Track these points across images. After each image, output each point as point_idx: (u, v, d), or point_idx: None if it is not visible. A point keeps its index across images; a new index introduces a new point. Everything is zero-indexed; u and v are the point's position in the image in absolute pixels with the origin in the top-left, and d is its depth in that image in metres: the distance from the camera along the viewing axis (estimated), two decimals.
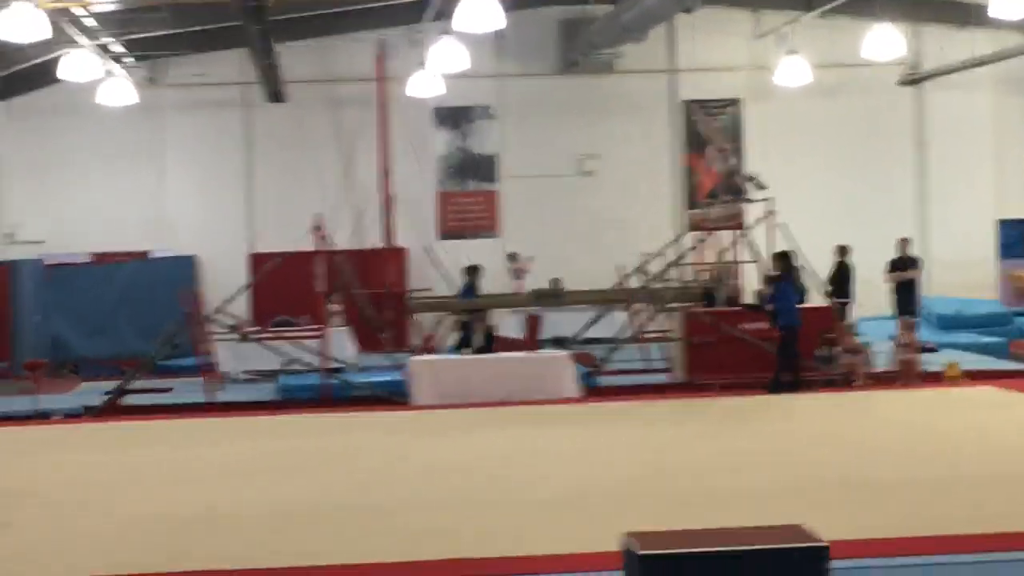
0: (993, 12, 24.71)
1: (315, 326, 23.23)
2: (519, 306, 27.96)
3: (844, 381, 21.98)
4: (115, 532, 11.97)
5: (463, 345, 23.12)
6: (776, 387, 21.14)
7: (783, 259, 22.32)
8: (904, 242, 27.46)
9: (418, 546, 10.91)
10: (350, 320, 26.48)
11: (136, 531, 11.95)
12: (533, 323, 26.22)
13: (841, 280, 26.12)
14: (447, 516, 12.15)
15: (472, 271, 26.92)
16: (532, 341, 25.32)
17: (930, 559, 10.07)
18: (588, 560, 10.12)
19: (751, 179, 25.32)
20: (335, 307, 26.46)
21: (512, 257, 28.96)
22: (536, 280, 28.09)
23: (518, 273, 28.46)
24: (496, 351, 23.41)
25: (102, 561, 10.83)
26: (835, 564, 7.68)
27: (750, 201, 25.43)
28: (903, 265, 26.84)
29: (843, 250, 26.81)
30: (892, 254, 27.15)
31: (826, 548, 7.58)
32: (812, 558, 7.51)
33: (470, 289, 26.71)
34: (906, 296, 26.63)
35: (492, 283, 28.36)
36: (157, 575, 10.25)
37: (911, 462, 14.51)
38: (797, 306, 21.89)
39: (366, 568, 10.31)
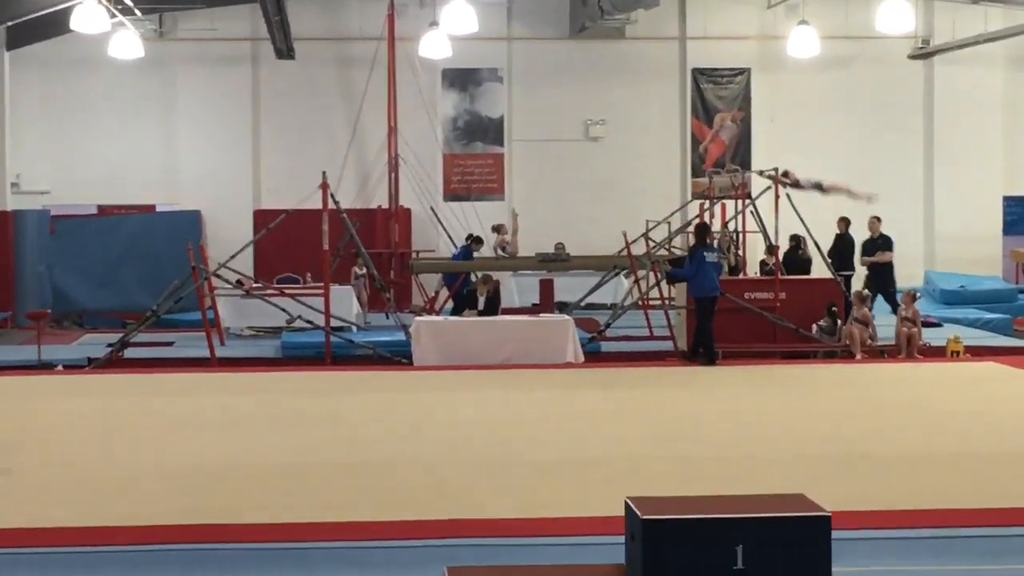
0: None
1: (319, 284, 23.17)
2: (523, 269, 28.01)
3: (845, 353, 22.01)
4: (114, 482, 12.03)
5: (467, 306, 23.09)
6: (693, 354, 21.24)
7: (700, 231, 22.28)
8: (875, 221, 26.19)
9: (418, 505, 10.95)
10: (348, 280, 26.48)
11: (135, 482, 12.00)
12: (547, 287, 26.20)
13: (843, 253, 25.87)
14: (448, 476, 12.20)
15: (475, 240, 27.07)
16: (546, 305, 25.30)
17: (931, 532, 10.11)
18: (591, 524, 10.15)
19: (817, 187, 25.22)
20: (359, 270, 26.30)
21: (497, 229, 28.78)
22: (540, 244, 28.09)
23: (501, 246, 28.32)
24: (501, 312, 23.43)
25: (101, 510, 10.88)
26: (836, 534, 7.68)
27: (760, 173, 25.36)
28: (874, 246, 25.86)
29: (846, 222, 26.55)
30: (897, 227, 26.85)
31: (828, 518, 7.58)
32: (814, 527, 7.51)
33: (466, 255, 26.80)
34: (882, 277, 25.97)
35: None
36: (154, 527, 10.29)
37: (913, 435, 14.55)
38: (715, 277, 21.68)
39: (367, 525, 10.34)
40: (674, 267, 22.76)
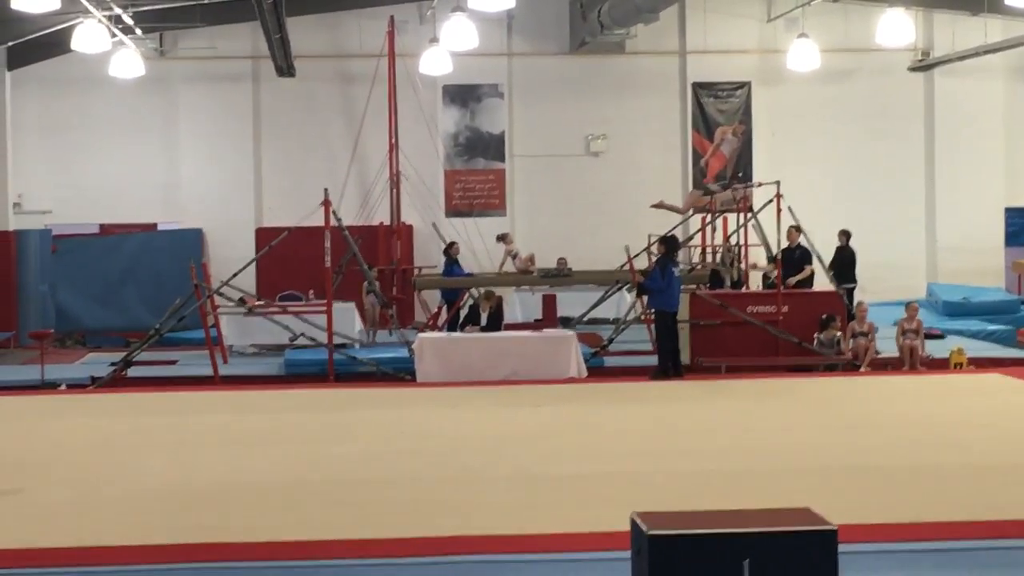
0: None
1: (321, 301, 23.11)
2: (525, 285, 27.96)
3: (848, 366, 21.99)
4: (118, 502, 12.00)
5: (470, 322, 23.07)
6: (658, 373, 21.10)
7: (665, 243, 22.07)
8: (793, 231, 24.96)
9: (423, 522, 10.92)
10: (355, 297, 26.38)
11: (139, 501, 11.98)
12: (550, 302, 26.15)
13: (844, 265, 25.80)
14: (452, 493, 12.16)
15: (449, 246, 26.97)
16: (549, 320, 25.28)
17: (936, 544, 10.09)
18: (596, 539, 10.13)
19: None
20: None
21: (502, 238, 28.58)
22: (542, 259, 28.02)
23: (511, 254, 28.12)
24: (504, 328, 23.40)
25: (106, 529, 10.86)
26: (843, 547, 7.68)
27: (759, 185, 25.35)
28: (791, 257, 24.66)
29: (846, 235, 26.44)
30: (898, 238, 26.76)
31: (834, 532, 7.58)
32: (821, 541, 7.51)
33: (452, 267, 26.69)
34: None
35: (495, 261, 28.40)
36: (159, 546, 10.27)
37: (918, 448, 14.52)
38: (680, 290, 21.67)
39: (370, 542, 10.32)
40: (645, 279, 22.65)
